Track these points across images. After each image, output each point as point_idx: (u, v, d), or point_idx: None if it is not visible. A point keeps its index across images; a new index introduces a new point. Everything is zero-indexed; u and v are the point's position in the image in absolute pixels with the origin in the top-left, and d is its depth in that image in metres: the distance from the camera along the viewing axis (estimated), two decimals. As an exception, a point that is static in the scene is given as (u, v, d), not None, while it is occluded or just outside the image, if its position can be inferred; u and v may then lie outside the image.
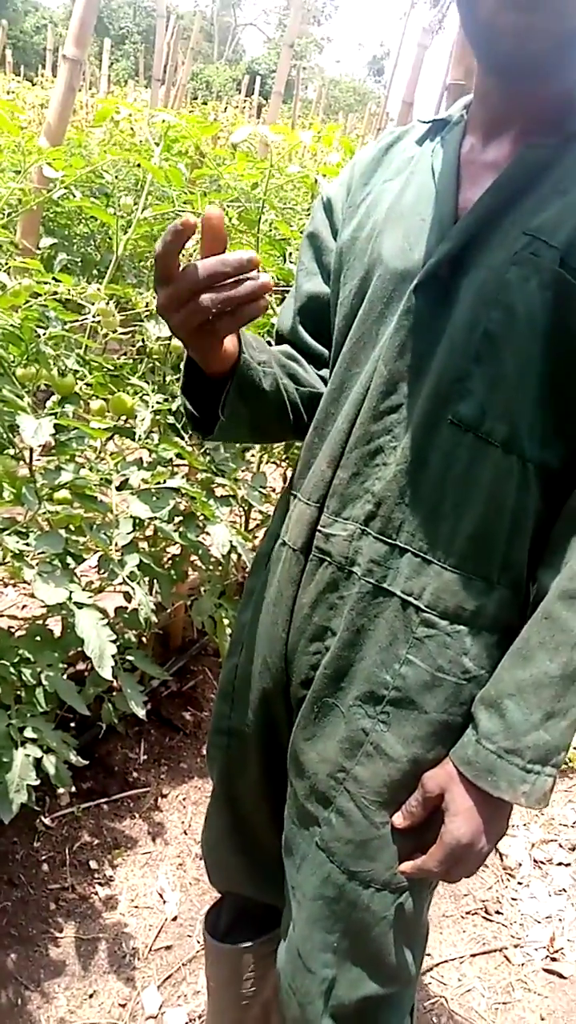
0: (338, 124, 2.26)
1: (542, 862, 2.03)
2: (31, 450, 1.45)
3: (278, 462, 2.38)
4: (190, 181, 1.91)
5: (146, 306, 1.74)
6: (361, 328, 0.91)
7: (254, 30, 53.24)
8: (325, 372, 1.03)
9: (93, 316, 1.64)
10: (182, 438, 1.80)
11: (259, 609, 1.01)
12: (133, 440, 1.67)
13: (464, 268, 0.81)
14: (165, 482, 1.58)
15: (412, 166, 0.93)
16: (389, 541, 0.85)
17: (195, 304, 0.70)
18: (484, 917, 1.85)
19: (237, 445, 1.91)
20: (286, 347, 1.07)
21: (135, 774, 2.04)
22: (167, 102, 4.68)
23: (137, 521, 1.57)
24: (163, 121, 1.87)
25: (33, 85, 6.64)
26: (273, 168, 1.77)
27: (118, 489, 1.59)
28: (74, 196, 2.08)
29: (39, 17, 30.61)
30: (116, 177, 2.85)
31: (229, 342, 0.82)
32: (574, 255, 0.75)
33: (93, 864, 1.79)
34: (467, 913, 1.85)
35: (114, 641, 1.38)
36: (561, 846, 2.09)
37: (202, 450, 1.85)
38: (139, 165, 2.10)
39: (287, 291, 2.04)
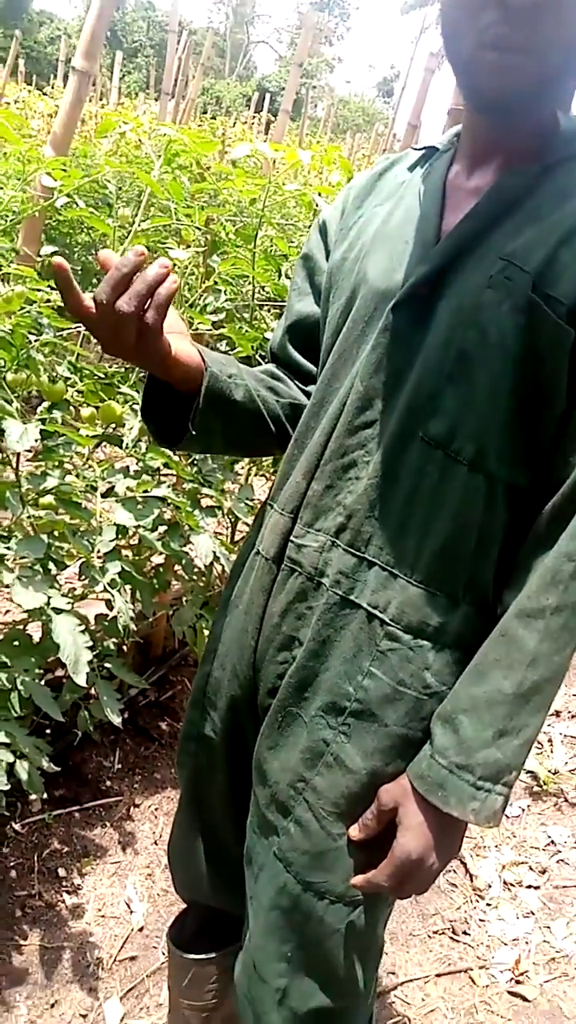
0: (337, 147, 2.28)
1: (512, 884, 2.02)
2: (18, 455, 1.46)
3: (267, 475, 2.39)
4: (190, 195, 1.94)
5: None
6: (343, 345, 0.92)
7: (266, 48, 53.85)
8: (312, 388, 1.04)
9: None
10: (170, 448, 1.81)
11: (232, 617, 1.02)
12: (121, 448, 1.68)
13: (442, 290, 0.83)
14: (151, 491, 1.59)
15: (401, 191, 0.96)
16: (358, 554, 0.86)
17: (120, 316, 0.74)
18: (451, 937, 1.84)
19: (226, 457, 1.92)
20: (270, 367, 1.10)
21: (108, 783, 2.03)
22: (176, 116, 4.71)
23: (121, 529, 1.57)
24: (165, 135, 1.89)
25: (44, 95, 6.71)
26: (273, 185, 1.79)
27: (103, 496, 1.59)
28: (77, 205, 2.10)
29: (53, 28, 30.91)
30: (120, 188, 2.88)
31: (184, 352, 0.85)
32: (546, 280, 0.76)
33: (62, 872, 1.78)
34: (434, 932, 1.85)
35: (92, 648, 1.38)
36: (531, 868, 2.08)
37: (189, 460, 1.86)
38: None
39: (282, 306, 2.06)
